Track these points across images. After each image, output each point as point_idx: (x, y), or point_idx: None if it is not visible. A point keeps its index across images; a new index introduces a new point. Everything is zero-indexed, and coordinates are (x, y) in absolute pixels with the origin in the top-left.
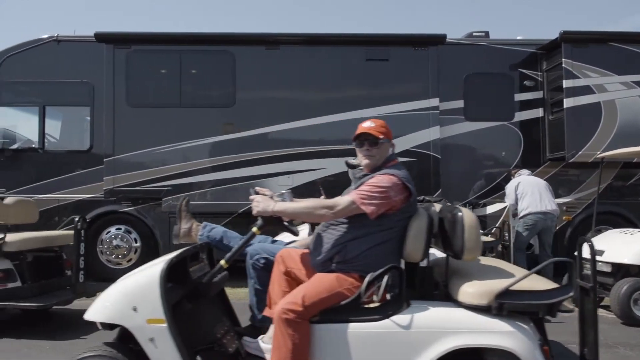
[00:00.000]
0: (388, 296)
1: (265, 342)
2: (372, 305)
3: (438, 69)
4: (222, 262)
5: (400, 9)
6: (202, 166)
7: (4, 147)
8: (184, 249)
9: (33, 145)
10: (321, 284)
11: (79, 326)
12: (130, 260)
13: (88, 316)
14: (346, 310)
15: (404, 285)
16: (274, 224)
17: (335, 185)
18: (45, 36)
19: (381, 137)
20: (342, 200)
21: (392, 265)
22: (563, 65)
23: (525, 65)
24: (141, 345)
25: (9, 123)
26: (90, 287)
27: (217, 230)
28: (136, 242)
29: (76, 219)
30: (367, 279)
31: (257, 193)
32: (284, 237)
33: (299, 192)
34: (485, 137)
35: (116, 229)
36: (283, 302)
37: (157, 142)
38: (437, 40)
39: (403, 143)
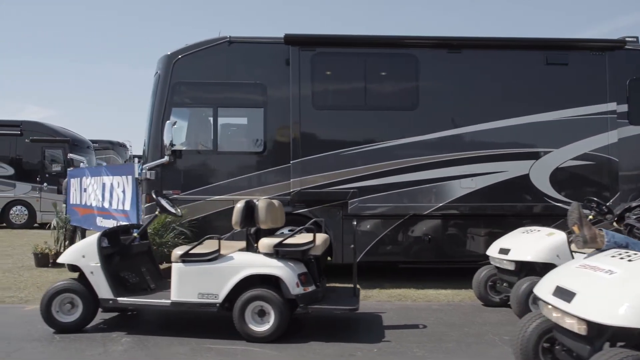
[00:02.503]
0: None
1: None
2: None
3: (615, 73)
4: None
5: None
6: (386, 168)
7: (178, 148)
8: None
9: (207, 147)
10: None
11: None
12: None
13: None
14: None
15: None
16: None
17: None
18: (217, 37)
19: None
20: None
21: None
22: None
23: None
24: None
25: (182, 124)
26: None
27: (620, 237)
28: None
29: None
30: None
31: None
32: None
33: (483, 195)
34: None
35: (289, 231)
36: None
37: (342, 144)
38: (617, 45)
39: (581, 147)
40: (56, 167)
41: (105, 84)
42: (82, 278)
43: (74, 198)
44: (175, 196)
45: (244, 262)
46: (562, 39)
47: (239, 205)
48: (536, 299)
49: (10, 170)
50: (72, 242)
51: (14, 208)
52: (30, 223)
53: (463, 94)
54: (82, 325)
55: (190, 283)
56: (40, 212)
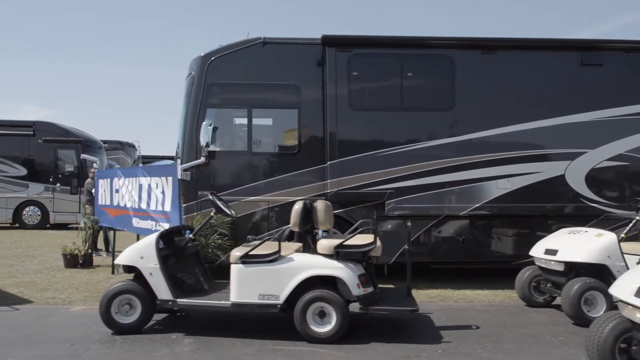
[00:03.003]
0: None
1: None
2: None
3: None
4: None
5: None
6: (422, 169)
7: (212, 149)
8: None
9: (241, 148)
10: None
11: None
12: None
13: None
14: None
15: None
16: None
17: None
18: (251, 38)
19: None
20: None
21: None
22: None
23: None
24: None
25: (217, 125)
26: None
27: None
28: None
29: None
30: None
31: None
32: None
33: (518, 195)
34: None
35: (323, 231)
36: None
37: (379, 145)
38: None
39: (616, 147)
40: (69, 168)
41: (104, 83)
42: (137, 279)
43: (102, 199)
44: (211, 197)
45: (305, 264)
46: (596, 40)
47: (297, 206)
48: (613, 300)
49: (23, 171)
50: (95, 243)
51: (27, 209)
52: (43, 223)
53: (498, 95)
54: (140, 326)
55: (250, 284)
56: (54, 212)
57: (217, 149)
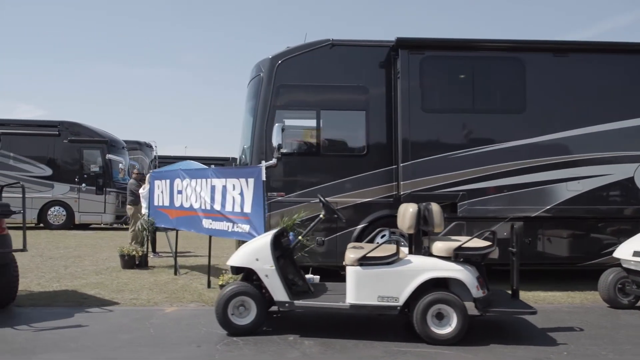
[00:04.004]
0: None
1: None
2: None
3: None
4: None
5: None
6: (493, 171)
7: (283, 151)
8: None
9: (310, 149)
10: None
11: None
12: None
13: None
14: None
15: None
16: None
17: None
18: (319, 40)
19: None
20: None
21: None
22: None
23: None
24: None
25: (285, 127)
26: None
27: None
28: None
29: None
30: None
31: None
32: None
33: (588, 198)
34: None
35: (390, 232)
36: None
37: (451, 147)
38: None
39: None
40: (94, 168)
41: (99, 83)
42: (248, 280)
43: (159, 200)
44: (279, 199)
45: (425, 266)
46: None
47: (412, 209)
48: None
49: (49, 171)
50: (141, 244)
51: (52, 209)
52: (68, 224)
53: (570, 97)
54: (254, 328)
55: (369, 286)
56: (79, 212)
57: (286, 151)
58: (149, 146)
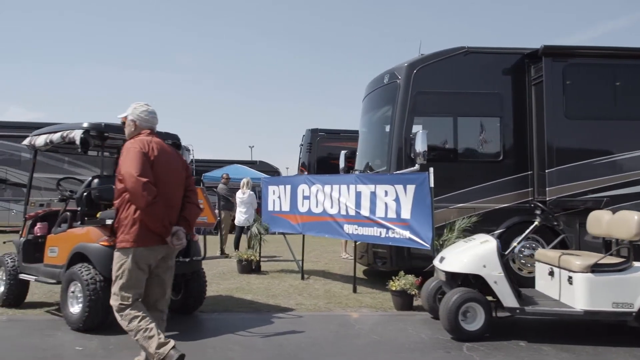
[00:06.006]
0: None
1: None
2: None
3: None
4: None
5: None
6: (636, 177)
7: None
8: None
9: (447, 155)
10: None
11: None
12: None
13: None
14: None
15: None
16: None
17: None
18: (454, 47)
19: None
20: None
21: None
22: None
23: None
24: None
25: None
26: None
27: None
28: None
29: None
30: None
31: None
32: None
33: None
34: None
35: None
36: None
37: (595, 153)
38: None
39: None
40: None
41: (92, 85)
42: (468, 285)
43: (274, 205)
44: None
45: None
46: None
47: (637, 217)
48: None
49: None
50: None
51: None
52: None
53: None
54: (482, 333)
55: (602, 293)
56: None
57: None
58: (187, 149)
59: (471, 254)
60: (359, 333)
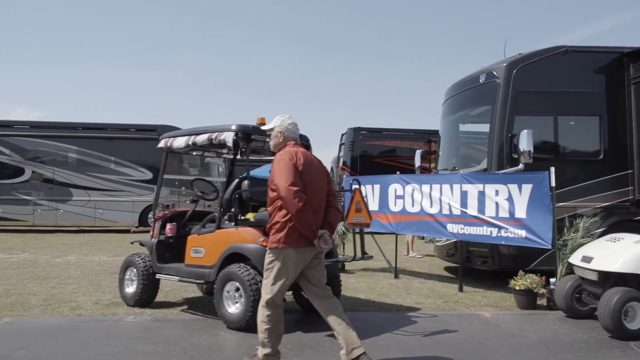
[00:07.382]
0: None
1: None
2: None
3: None
4: None
5: None
6: None
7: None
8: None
9: (548, 155)
10: None
11: None
12: None
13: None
14: None
15: None
16: None
17: None
18: (553, 46)
19: None
20: None
21: None
22: None
23: None
24: None
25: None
26: None
27: None
28: None
29: None
30: None
31: None
32: None
33: None
34: None
35: None
36: None
37: None
38: None
39: None
40: (194, 171)
41: (96, 85)
42: (617, 284)
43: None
44: None
45: None
46: None
47: None
48: None
49: (149, 175)
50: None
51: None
52: None
53: None
54: None
55: None
56: None
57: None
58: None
59: (632, 254)
60: (512, 332)
